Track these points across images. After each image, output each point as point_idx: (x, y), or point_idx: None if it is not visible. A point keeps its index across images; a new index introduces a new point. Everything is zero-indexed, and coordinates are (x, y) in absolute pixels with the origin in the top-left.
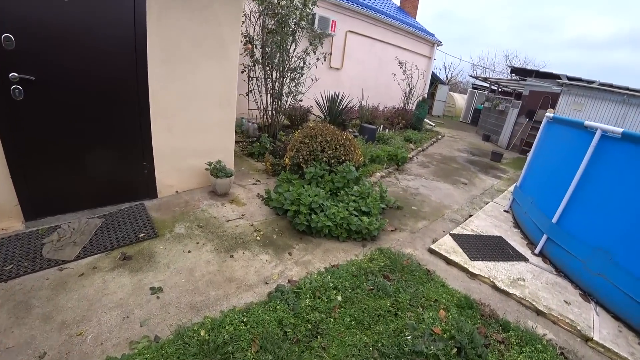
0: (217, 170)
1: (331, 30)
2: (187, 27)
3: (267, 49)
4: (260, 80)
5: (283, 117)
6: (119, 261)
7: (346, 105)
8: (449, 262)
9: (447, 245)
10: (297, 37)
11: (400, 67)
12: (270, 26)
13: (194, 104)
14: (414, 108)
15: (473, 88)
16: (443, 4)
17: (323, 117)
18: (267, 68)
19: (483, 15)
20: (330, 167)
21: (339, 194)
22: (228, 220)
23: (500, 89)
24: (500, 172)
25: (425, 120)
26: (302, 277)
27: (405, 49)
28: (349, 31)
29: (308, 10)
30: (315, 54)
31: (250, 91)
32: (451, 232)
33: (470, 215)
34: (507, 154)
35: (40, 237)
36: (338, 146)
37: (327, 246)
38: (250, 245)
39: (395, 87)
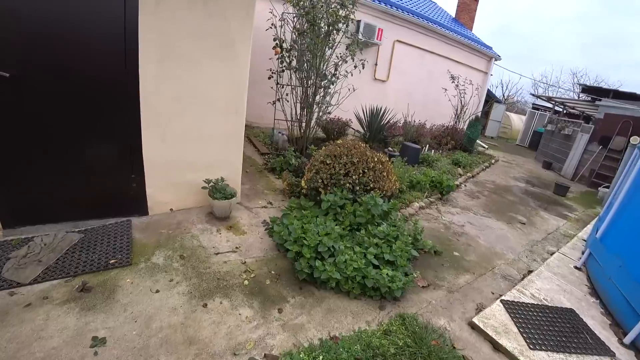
0: (215, 190)
1: (377, 38)
2: (187, 22)
3: (296, 53)
4: (290, 88)
5: (315, 129)
6: (76, 292)
7: (388, 121)
8: (497, 347)
9: (496, 319)
10: (331, 40)
11: (452, 82)
12: (301, 27)
13: (192, 110)
14: (465, 127)
15: (533, 108)
16: (501, 19)
17: (363, 132)
18: (296, 74)
19: (545, 31)
20: (355, 194)
21: (359, 231)
22: (217, 253)
23: (565, 111)
24: (566, 209)
25: (478, 141)
26: (285, 352)
27: (458, 62)
28: (397, 40)
29: (346, 11)
30: (353, 60)
31: (278, 99)
32: (503, 298)
33: (530, 271)
34: (572, 186)
35: (11, 248)
36: (367, 170)
37: (331, 304)
38: (233, 293)
39: (446, 104)
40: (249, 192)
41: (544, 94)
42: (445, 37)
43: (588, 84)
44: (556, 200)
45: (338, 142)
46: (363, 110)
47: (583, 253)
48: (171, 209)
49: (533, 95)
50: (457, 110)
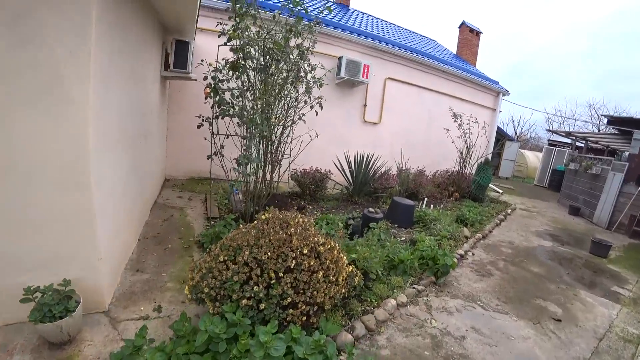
0: (42, 307)
1: (363, 76)
2: None
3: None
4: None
5: (287, 183)
6: None
7: (376, 169)
8: None
9: None
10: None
11: (455, 121)
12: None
13: (8, 182)
14: (473, 171)
15: (550, 144)
16: (512, 60)
17: (347, 184)
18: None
19: (557, 68)
20: (262, 314)
21: None
22: None
23: (588, 146)
24: (613, 281)
25: (491, 185)
26: None
27: (462, 99)
28: (389, 78)
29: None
30: (309, 100)
31: (215, 153)
32: None
33: None
34: (611, 239)
35: None
36: (296, 268)
37: None
38: None
39: (451, 146)
40: (143, 286)
41: (560, 129)
42: (445, 72)
43: (609, 115)
44: (596, 265)
45: (263, 216)
46: (346, 158)
47: None
48: None
49: (549, 130)
50: (461, 152)
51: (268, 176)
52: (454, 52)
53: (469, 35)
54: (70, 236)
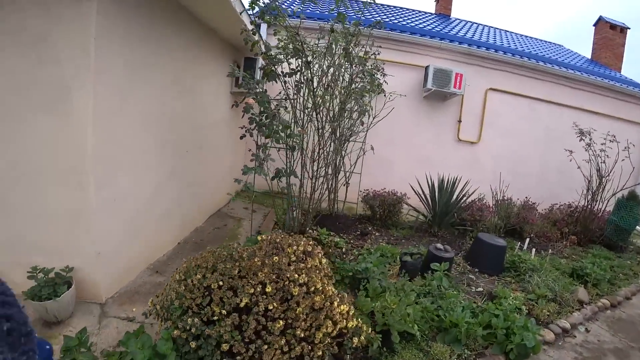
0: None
1: (455, 87)
2: (15, 69)
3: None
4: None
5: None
6: None
7: (462, 196)
8: None
9: None
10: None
11: (581, 139)
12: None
13: (25, 180)
14: (608, 208)
15: None
16: None
17: (427, 213)
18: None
19: None
20: (217, 354)
21: None
22: None
23: None
24: None
25: (639, 228)
26: None
27: (595, 112)
28: (491, 89)
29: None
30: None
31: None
32: None
33: None
34: None
35: None
36: (249, 308)
37: None
38: None
39: (576, 173)
40: (151, 288)
41: None
42: (570, 79)
43: None
44: None
45: (259, 237)
46: (428, 179)
47: None
48: None
49: None
50: (589, 182)
51: (316, 194)
52: (589, 56)
53: (609, 33)
54: (72, 229)
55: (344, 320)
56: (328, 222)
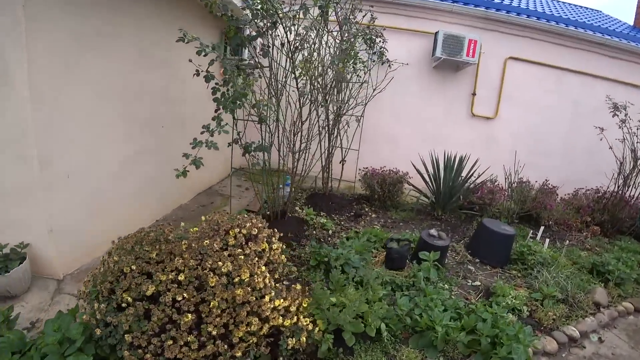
0: None
1: (467, 55)
2: None
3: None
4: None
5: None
6: None
7: (470, 176)
8: None
9: None
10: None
11: (615, 114)
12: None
13: None
14: None
15: None
16: None
17: (431, 194)
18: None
19: None
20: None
21: None
22: None
23: None
24: None
25: None
26: None
27: (632, 84)
28: (512, 58)
29: None
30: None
31: (235, 141)
32: None
33: None
34: None
35: None
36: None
37: None
38: None
39: (608, 155)
40: None
41: None
42: (606, 47)
43: None
44: None
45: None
46: (432, 157)
47: None
48: None
49: None
50: (621, 164)
51: (298, 170)
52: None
53: None
54: (23, 205)
55: (280, 318)
56: (321, 201)
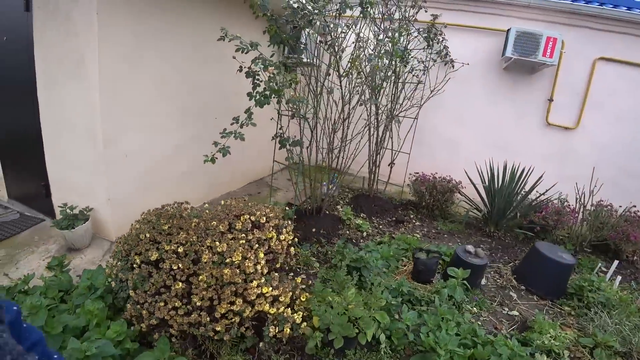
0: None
1: (544, 54)
2: (54, 43)
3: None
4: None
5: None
6: None
7: (530, 190)
8: None
9: None
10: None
11: None
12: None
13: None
14: None
15: None
16: None
17: (484, 207)
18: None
19: None
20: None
21: None
22: None
23: None
24: None
25: None
26: None
27: None
28: (602, 58)
29: None
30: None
31: (280, 136)
32: None
33: None
34: None
35: None
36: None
37: None
38: None
39: None
40: None
41: None
42: None
43: None
44: None
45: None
46: (489, 167)
47: None
48: None
49: None
50: None
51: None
52: None
53: None
54: (91, 177)
55: (267, 305)
56: (364, 203)
